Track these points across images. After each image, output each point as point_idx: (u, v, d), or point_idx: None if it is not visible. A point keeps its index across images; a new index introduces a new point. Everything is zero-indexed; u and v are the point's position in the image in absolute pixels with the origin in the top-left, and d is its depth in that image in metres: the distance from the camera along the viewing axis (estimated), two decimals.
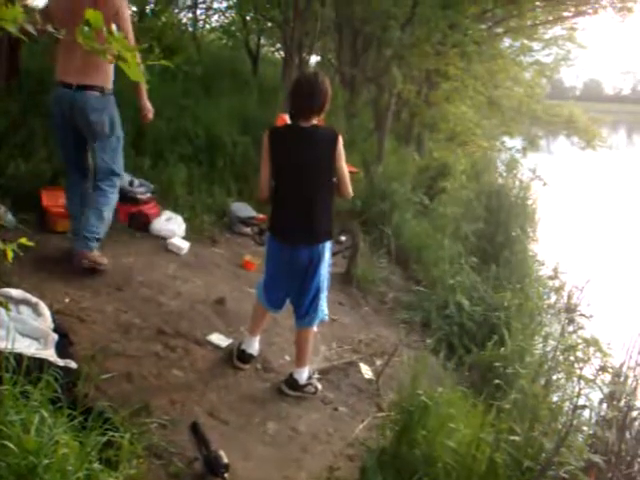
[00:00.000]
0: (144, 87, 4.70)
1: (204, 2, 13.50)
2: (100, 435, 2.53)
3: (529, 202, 10.16)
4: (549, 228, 10.33)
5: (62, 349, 3.40)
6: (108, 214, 4.85)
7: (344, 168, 3.80)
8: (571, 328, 6.50)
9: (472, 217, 8.43)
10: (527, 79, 15.39)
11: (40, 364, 2.94)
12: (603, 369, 3.73)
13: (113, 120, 4.71)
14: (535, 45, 15.42)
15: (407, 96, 10.49)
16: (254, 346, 4.24)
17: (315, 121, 3.76)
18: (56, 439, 2.21)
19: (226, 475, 3.04)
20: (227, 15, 13.59)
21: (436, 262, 6.83)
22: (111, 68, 4.56)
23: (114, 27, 1.45)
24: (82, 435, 2.45)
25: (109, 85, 4.64)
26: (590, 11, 11.68)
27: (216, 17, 13.82)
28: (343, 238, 6.97)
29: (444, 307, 5.99)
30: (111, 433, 2.58)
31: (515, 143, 14.32)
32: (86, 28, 1.26)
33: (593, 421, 3.55)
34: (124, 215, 5.89)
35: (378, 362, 4.80)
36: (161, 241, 5.81)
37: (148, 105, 4.86)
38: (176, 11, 12.83)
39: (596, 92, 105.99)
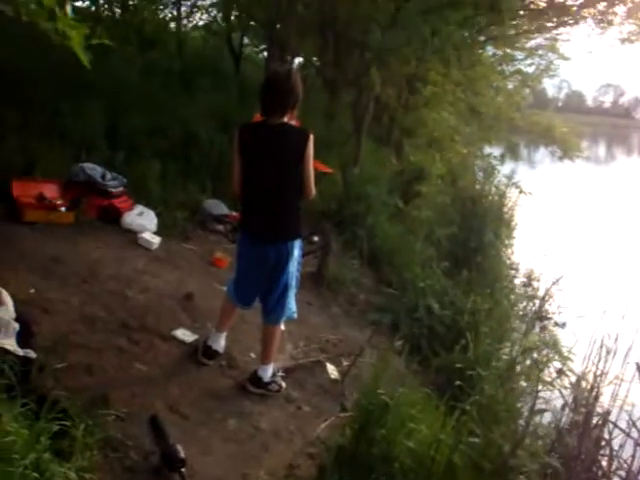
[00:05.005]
0: None
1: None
2: (53, 425, 2.50)
3: (505, 209, 10.20)
4: (526, 235, 10.38)
5: (23, 339, 3.37)
6: None
7: (310, 169, 3.74)
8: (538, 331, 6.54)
9: (446, 222, 8.45)
10: (509, 88, 15.41)
11: None
12: (561, 372, 3.74)
13: None
14: (518, 54, 15.52)
15: (386, 100, 10.50)
16: (220, 343, 4.21)
17: (286, 119, 3.73)
18: (3, 427, 2.18)
19: (183, 470, 3.00)
20: (211, 13, 13.57)
21: (408, 265, 6.82)
22: None
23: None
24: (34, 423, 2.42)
25: None
26: (571, 22, 11.77)
27: (200, 15, 13.79)
28: (315, 238, 6.95)
29: (414, 310, 5.97)
30: (64, 422, 2.55)
31: (494, 151, 14.35)
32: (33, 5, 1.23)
33: (553, 425, 3.56)
34: (95, 208, 5.84)
35: (345, 363, 4.77)
36: (132, 235, 5.77)
37: None
38: (160, 7, 12.78)
39: (578, 104, 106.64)
